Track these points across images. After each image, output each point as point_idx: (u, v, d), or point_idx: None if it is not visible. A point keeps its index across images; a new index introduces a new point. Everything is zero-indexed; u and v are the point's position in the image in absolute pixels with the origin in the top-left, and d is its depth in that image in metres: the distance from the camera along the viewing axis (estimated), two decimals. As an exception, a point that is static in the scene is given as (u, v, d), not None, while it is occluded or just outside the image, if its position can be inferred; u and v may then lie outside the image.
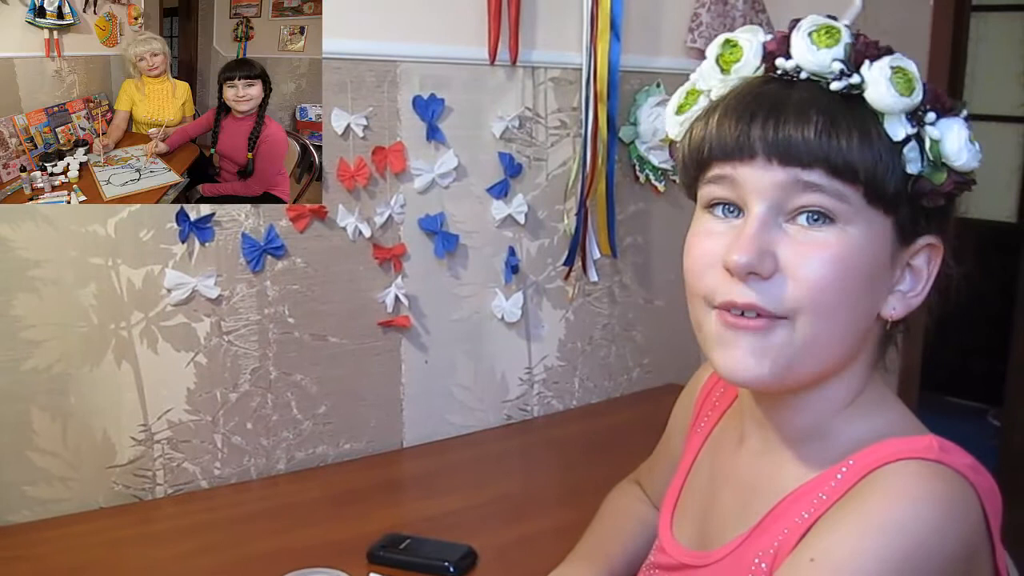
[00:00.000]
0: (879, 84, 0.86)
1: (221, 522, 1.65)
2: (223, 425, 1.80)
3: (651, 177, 2.27)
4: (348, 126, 1.83)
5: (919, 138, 0.87)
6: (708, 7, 2.26)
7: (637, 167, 2.27)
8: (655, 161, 2.25)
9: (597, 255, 2.20)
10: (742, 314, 0.89)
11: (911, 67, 0.87)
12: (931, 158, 0.86)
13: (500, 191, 2.06)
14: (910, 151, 0.86)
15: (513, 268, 2.10)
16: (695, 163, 0.95)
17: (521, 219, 2.10)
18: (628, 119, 2.23)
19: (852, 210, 0.87)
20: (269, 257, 1.79)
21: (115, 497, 1.70)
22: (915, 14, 2.90)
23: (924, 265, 0.92)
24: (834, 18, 0.91)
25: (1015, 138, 4.60)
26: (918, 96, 0.86)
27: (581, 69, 2.10)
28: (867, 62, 0.88)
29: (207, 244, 1.73)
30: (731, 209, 0.92)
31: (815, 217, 0.87)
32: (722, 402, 1.16)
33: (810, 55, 0.89)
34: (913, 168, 0.87)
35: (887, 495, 0.84)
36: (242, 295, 1.78)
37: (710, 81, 0.97)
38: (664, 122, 1.02)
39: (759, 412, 1.01)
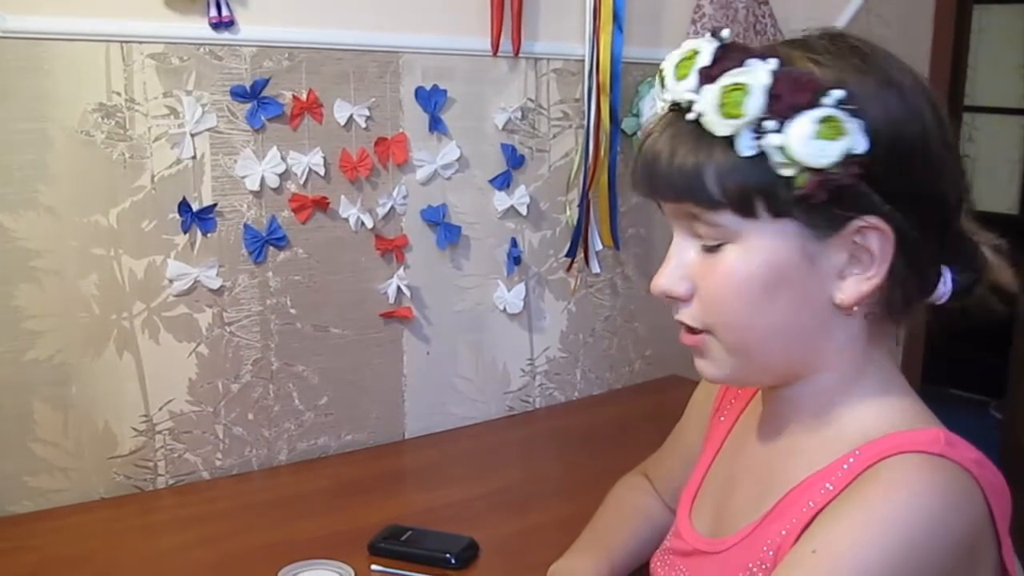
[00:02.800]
0: (708, 111, 0.87)
1: (222, 513, 1.65)
2: (224, 416, 1.80)
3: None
4: (351, 117, 1.83)
5: (767, 147, 0.86)
6: (711, -2, 2.26)
7: (640, 159, 2.26)
8: (658, 153, 2.24)
9: (599, 246, 2.20)
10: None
11: (750, 79, 0.86)
12: (785, 162, 0.85)
13: (502, 182, 2.06)
14: (774, 158, 0.86)
15: (515, 259, 2.10)
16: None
17: (523, 210, 2.09)
18: (631, 110, 2.22)
19: (732, 230, 0.90)
20: (271, 248, 1.79)
21: (116, 488, 1.70)
22: (918, 5, 2.90)
23: (875, 246, 0.89)
24: (716, 33, 0.92)
25: (1016, 130, 4.60)
26: (752, 111, 0.85)
27: (584, 60, 2.10)
28: (705, 87, 0.88)
29: (209, 234, 1.72)
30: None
31: (708, 243, 0.93)
32: (745, 393, 1.17)
33: (673, 86, 0.92)
34: (785, 172, 0.86)
35: (889, 488, 0.85)
36: (244, 286, 1.78)
37: (657, 105, 1.00)
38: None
39: (767, 405, 1.04)
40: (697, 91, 0.89)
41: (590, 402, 2.29)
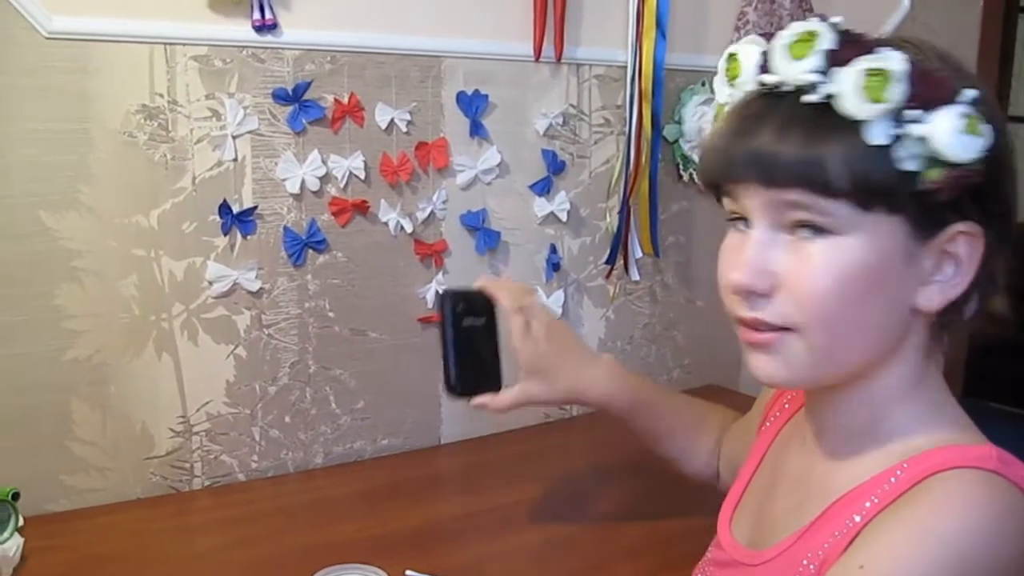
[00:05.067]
0: (847, 94, 0.84)
1: (257, 515, 1.65)
2: (261, 418, 1.80)
3: (695, 176, 2.25)
4: (392, 121, 1.83)
5: (906, 137, 0.83)
6: (755, 5, 2.24)
7: (681, 166, 2.25)
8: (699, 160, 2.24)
9: (639, 254, 2.19)
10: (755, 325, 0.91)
11: (891, 65, 0.83)
12: (923, 155, 0.83)
13: (543, 188, 2.05)
14: (900, 151, 0.83)
15: (554, 266, 2.09)
16: (705, 179, 0.97)
17: (563, 216, 2.08)
18: (673, 117, 2.21)
19: (844, 221, 0.86)
20: (310, 251, 1.79)
21: (152, 488, 1.71)
22: (964, 15, 2.86)
23: (964, 252, 0.89)
24: (825, 18, 0.89)
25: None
26: (895, 97, 0.83)
27: (626, 66, 2.09)
28: (837, 69, 0.85)
29: (249, 237, 1.73)
30: (747, 222, 0.93)
31: (808, 232, 0.88)
32: (793, 404, 1.16)
33: (786, 67, 0.88)
34: (909, 166, 0.84)
35: (941, 504, 0.83)
36: (283, 288, 1.78)
37: (722, 94, 0.97)
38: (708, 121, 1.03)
39: (814, 411, 1.02)
40: (824, 73, 0.86)
41: (627, 410, 2.27)
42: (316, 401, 1.85)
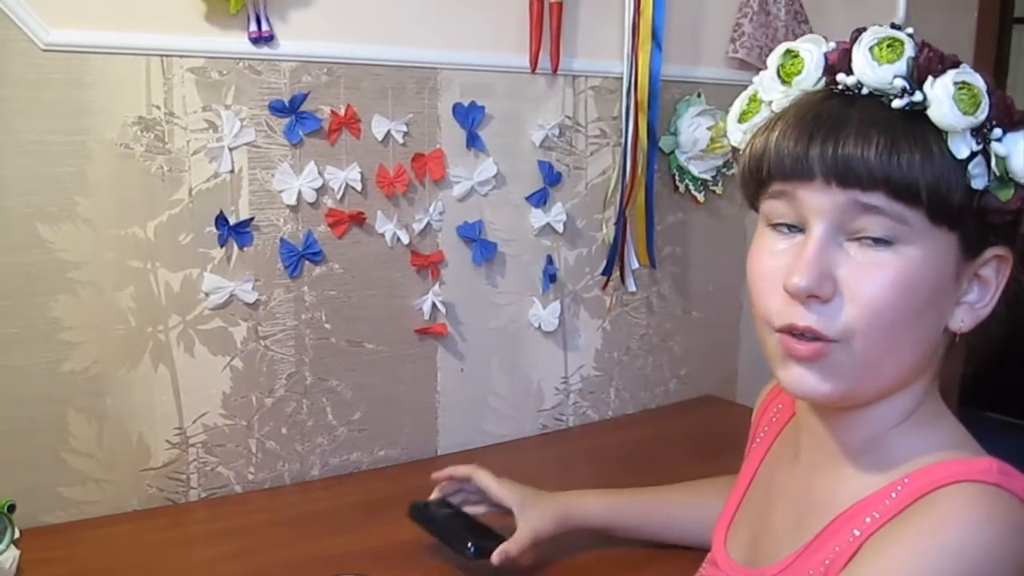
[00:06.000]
0: (942, 103, 0.83)
1: (254, 527, 1.65)
2: (258, 430, 1.80)
3: (691, 187, 2.26)
4: (388, 132, 1.83)
5: (985, 154, 0.84)
6: (750, 17, 2.25)
7: (677, 177, 2.25)
8: (695, 171, 2.24)
9: (635, 265, 2.19)
10: (802, 335, 0.88)
11: (977, 82, 0.84)
12: (997, 174, 0.84)
13: (539, 199, 2.05)
14: (975, 167, 0.84)
15: (551, 277, 2.09)
16: (755, 178, 0.94)
17: (560, 228, 2.09)
18: (668, 129, 2.22)
19: (914, 230, 0.85)
20: (307, 262, 1.79)
21: (149, 500, 1.71)
22: (959, 25, 2.87)
23: (992, 275, 0.90)
24: (899, 27, 0.89)
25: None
26: (983, 113, 0.83)
27: (622, 78, 2.09)
28: (930, 78, 0.85)
29: (245, 248, 1.73)
30: (793, 226, 0.91)
31: (876, 239, 0.86)
32: (781, 417, 1.15)
33: (871, 71, 0.87)
34: (979, 184, 0.84)
35: (943, 518, 0.83)
36: (279, 300, 1.78)
37: (771, 93, 0.96)
38: (728, 129, 1.01)
39: (815, 427, 1.00)
40: (911, 80, 0.86)
41: (624, 421, 2.27)
42: (313, 413, 1.85)
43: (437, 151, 1.90)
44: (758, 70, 0.99)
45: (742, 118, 0.98)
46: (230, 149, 1.68)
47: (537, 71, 2.00)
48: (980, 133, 0.84)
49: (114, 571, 1.47)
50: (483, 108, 1.94)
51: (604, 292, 2.20)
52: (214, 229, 1.69)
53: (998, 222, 0.87)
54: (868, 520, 0.88)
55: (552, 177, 2.06)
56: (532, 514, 1.45)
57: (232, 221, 1.70)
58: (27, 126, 1.52)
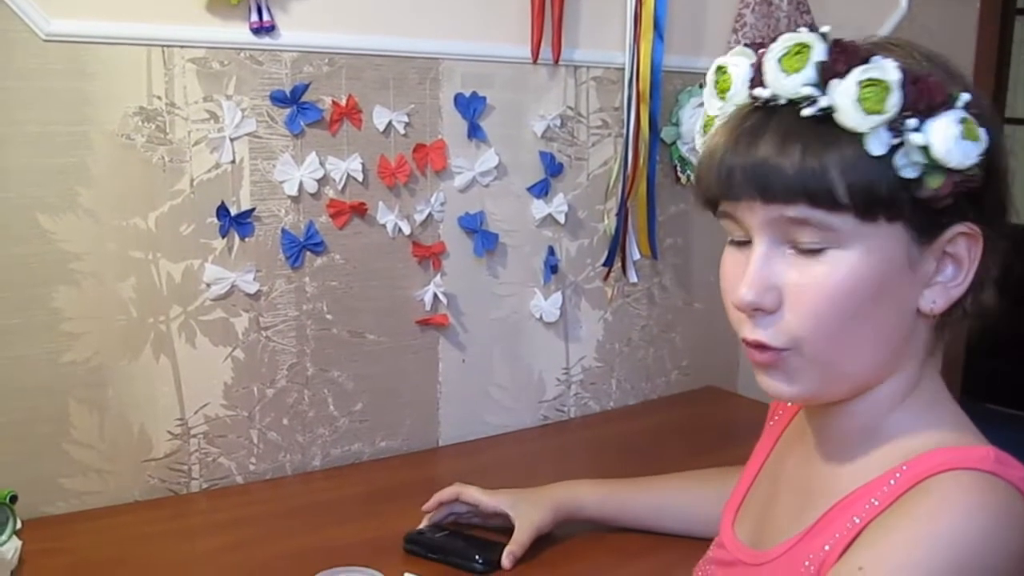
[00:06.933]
0: (845, 107, 0.83)
1: (255, 518, 1.65)
2: (259, 420, 1.80)
3: (692, 178, 2.25)
4: (389, 123, 1.83)
5: (905, 145, 0.83)
6: (752, 7, 2.24)
7: (679, 168, 2.25)
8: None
9: (637, 256, 2.19)
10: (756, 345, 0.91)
11: (887, 75, 0.83)
12: (924, 162, 0.83)
13: (540, 190, 2.05)
14: (900, 159, 0.83)
15: (552, 268, 2.09)
16: (701, 199, 0.96)
17: (561, 219, 2.08)
18: (670, 119, 2.21)
19: (845, 233, 0.85)
20: (308, 253, 1.79)
21: (150, 491, 1.71)
22: (961, 16, 2.86)
23: (964, 252, 0.89)
24: (815, 29, 0.88)
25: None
26: (893, 107, 0.82)
27: (624, 69, 2.09)
28: (834, 81, 0.84)
29: (247, 239, 1.73)
30: (745, 241, 0.92)
31: (808, 248, 0.87)
32: (795, 404, 1.15)
33: (780, 82, 0.87)
34: (909, 173, 0.83)
35: (939, 506, 0.83)
36: (281, 291, 1.78)
37: (712, 108, 0.96)
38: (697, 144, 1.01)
39: (818, 414, 1.01)
40: (820, 86, 0.85)
41: (625, 412, 2.27)
42: (314, 403, 1.85)
43: (438, 142, 1.89)
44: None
45: (704, 132, 0.98)
46: (231, 140, 1.68)
47: (539, 61, 1.99)
48: (894, 127, 0.83)
49: (116, 562, 1.47)
50: (484, 99, 1.94)
51: (605, 283, 2.20)
52: (215, 220, 1.69)
53: (949, 203, 0.86)
54: (867, 507, 0.88)
55: (554, 168, 2.06)
56: (528, 509, 1.49)
57: (233, 212, 1.70)
58: (28, 117, 1.52)
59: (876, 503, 0.88)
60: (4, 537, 1.32)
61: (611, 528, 1.53)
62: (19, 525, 1.44)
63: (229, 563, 1.48)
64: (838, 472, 0.96)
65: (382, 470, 1.88)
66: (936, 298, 0.90)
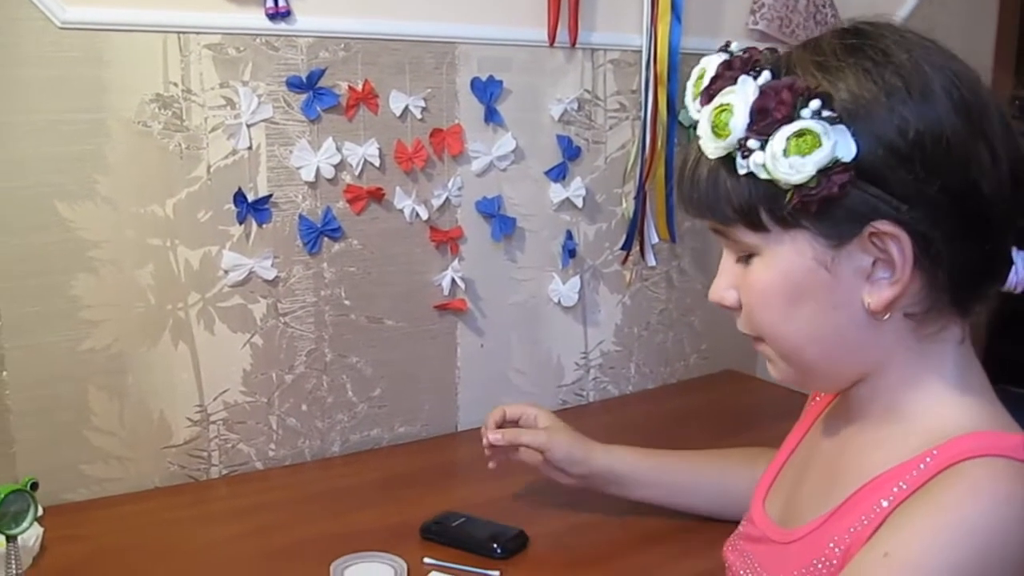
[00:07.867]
0: (703, 133, 0.90)
1: (275, 504, 1.65)
2: (278, 407, 1.80)
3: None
4: (406, 108, 1.82)
5: (756, 167, 0.87)
6: (771, -12, 2.23)
7: (697, 151, 2.24)
8: (715, 145, 2.22)
9: (655, 239, 2.18)
10: None
11: (736, 99, 0.86)
12: (767, 179, 0.87)
13: (558, 174, 2.04)
14: (760, 176, 0.87)
15: (570, 252, 2.09)
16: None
17: (579, 203, 2.08)
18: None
19: (755, 243, 0.92)
20: (326, 239, 1.79)
21: (170, 477, 1.72)
22: (979, 6, 2.83)
23: (894, 251, 0.86)
24: (726, 47, 0.96)
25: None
26: (739, 130, 0.86)
27: (641, 51, 2.08)
28: (704, 108, 0.92)
29: (264, 225, 1.73)
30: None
31: (740, 255, 0.97)
32: None
33: (689, 107, 0.96)
34: (773, 188, 0.87)
35: (968, 493, 0.82)
36: (299, 277, 1.78)
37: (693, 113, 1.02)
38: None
39: (847, 396, 1.03)
40: (700, 112, 0.92)
41: (644, 396, 2.27)
42: (333, 389, 1.85)
43: (455, 126, 1.89)
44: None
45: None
46: (248, 126, 1.68)
47: (555, 45, 1.98)
48: (743, 148, 0.87)
49: (136, 548, 1.48)
50: (501, 82, 1.93)
51: (624, 267, 2.19)
52: (233, 206, 1.69)
53: (839, 205, 0.85)
54: (895, 490, 0.88)
55: (571, 151, 2.05)
56: (559, 428, 1.56)
57: (251, 198, 1.70)
58: (45, 105, 1.52)
59: (905, 487, 0.87)
60: (26, 524, 1.32)
61: (628, 504, 1.53)
62: (40, 512, 1.44)
63: (248, 549, 1.48)
64: (867, 454, 0.96)
65: (401, 455, 1.88)
66: (870, 298, 0.90)
